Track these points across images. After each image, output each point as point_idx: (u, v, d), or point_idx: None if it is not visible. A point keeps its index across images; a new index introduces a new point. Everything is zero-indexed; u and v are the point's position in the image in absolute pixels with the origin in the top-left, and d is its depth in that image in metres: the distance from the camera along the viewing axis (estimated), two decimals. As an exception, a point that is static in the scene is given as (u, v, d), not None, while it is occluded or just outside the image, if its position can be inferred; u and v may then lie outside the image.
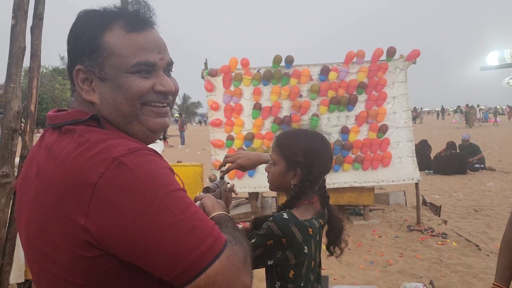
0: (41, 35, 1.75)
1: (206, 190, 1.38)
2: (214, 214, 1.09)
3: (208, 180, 1.45)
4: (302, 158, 1.47)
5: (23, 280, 3.59)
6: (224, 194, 1.57)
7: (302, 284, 1.46)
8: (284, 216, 1.42)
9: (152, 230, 0.76)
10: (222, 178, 1.74)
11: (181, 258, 0.76)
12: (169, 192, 0.79)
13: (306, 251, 1.44)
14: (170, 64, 0.98)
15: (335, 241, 1.58)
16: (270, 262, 1.42)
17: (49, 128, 0.95)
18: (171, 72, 1.00)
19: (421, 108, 58.46)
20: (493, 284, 1.74)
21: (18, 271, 3.36)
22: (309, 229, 1.44)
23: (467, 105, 34.79)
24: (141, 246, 0.76)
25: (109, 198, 0.76)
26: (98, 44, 0.90)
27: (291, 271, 1.44)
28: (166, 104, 0.97)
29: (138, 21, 0.92)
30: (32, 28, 1.79)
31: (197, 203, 1.15)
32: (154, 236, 0.76)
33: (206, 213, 1.08)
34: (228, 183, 1.69)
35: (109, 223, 0.76)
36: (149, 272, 0.80)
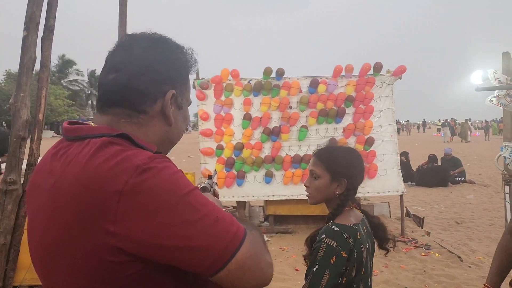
0: (51, 47, 1.80)
1: (203, 189, 1.41)
2: None
3: (207, 177, 1.49)
4: (345, 169, 1.66)
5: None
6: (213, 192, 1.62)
7: None
8: (335, 229, 1.53)
9: (181, 228, 0.81)
10: (211, 177, 1.77)
11: (211, 249, 0.82)
12: (189, 192, 0.84)
13: (355, 256, 1.53)
14: None
15: (385, 237, 1.73)
16: (340, 280, 1.48)
17: (64, 139, 0.97)
18: None
19: (408, 121, 59.35)
20: (484, 285, 1.85)
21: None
22: (358, 233, 1.56)
23: (452, 119, 35.16)
24: (173, 245, 0.81)
25: (136, 203, 0.80)
26: (187, 79, 1.06)
27: (354, 284, 1.53)
28: None
29: (194, 68, 1.09)
30: (42, 39, 1.83)
31: None
32: (184, 233, 0.81)
33: None
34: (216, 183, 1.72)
35: (140, 227, 0.80)
36: (181, 268, 0.84)
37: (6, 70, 38.33)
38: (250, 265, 0.85)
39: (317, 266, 1.47)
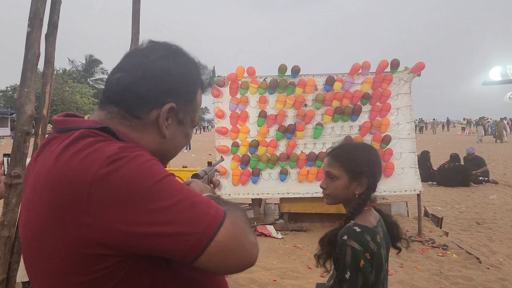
0: (55, 43, 1.83)
1: (195, 176, 1.41)
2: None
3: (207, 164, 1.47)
4: (366, 168, 1.59)
5: (28, 280, 3.66)
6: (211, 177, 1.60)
7: None
8: (356, 230, 1.48)
9: (156, 214, 0.80)
10: (210, 164, 1.75)
11: (189, 233, 0.81)
12: (162, 178, 0.84)
13: (375, 259, 1.49)
14: None
15: (398, 236, 1.69)
16: (371, 282, 1.47)
17: (55, 131, 0.97)
18: None
19: (435, 119, 58.02)
20: None
21: (23, 270, 3.42)
22: (378, 236, 1.51)
23: (483, 117, 33.94)
24: (148, 232, 0.80)
25: (108, 193, 0.79)
26: (194, 98, 1.05)
27: (361, 278, 1.47)
28: None
29: (208, 89, 1.11)
30: (47, 35, 1.86)
31: None
32: (158, 219, 0.80)
33: None
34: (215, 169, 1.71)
35: (113, 216, 0.79)
36: (162, 256, 0.84)
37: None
38: (232, 246, 0.84)
39: (349, 273, 1.42)
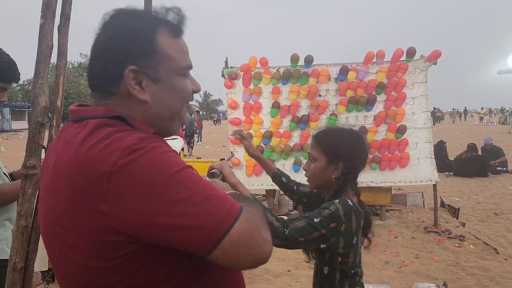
0: (68, 34, 1.84)
1: (212, 175, 1.40)
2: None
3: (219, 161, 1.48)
4: (344, 151, 1.56)
5: (46, 269, 3.74)
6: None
7: (349, 274, 1.56)
8: (349, 202, 1.50)
9: (171, 206, 0.81)
10: (222, 159, 1.74)
11: (203, 226, 0.81)
12: (179, 170, 0.84)
13: (354, 242, 1.52)
14: None
15: (366, 233, 1.67)
16: (323, 246, 1.48)
17: (70, 121, 0.99)
18: None
19: (454, 109, 56.89)
20: None
21: (42, 259, 3.49)
22: (362, 220, 1.54)
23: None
24: (164, 225, 0.81)
25: (126, 183, 0.80)
26: (154, 47, 0.94)
27: (339, 258, 1.52)
28: None
29: (181, 28, 1.01)
30: (59, 27, 1.87)
31: None
32: (174, 211, 0.80)
33: None
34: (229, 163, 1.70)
35: (130, 206, 0.80)
36: (174, 247, 0.84)
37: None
38: (245, 242, 0.83)
39: (318, 219, 1.43)
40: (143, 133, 0.91)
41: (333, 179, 1.57)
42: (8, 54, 1.84)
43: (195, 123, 18.90)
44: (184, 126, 16.37)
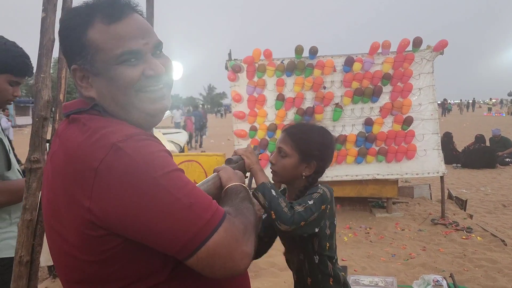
0: (69, 28, 1.82)
1: (228, 161, 1.39)
2: (228, 186, 1.10)
3: (234, 153, 1.46)
4: (317, 152, 1.59)
5: (52, 263, 3.77)
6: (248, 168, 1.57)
7: (334, 260, 1.60)
8: (328, 186, 1.55)
9: (152, 210, 0.80)
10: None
11: (181, 234, 0.81)
12: (165, 173, 0.83)
13: (335, 222, 1.59)
14: (157, 46, 0.98)
15: None
16: (316, 230, 1.50)
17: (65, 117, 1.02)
18: (161, 53, 1.00)
19: (461, 100, 56.41)
20: None
21: (48, 254, 3.52)
22: (338, 205, 1.57)
23: None
24: (142, 225, 0.81)
25: (109, 181, 0.81)
26: (84, 43, 0.92)
27: (327, 243, 1.56)
28: (161, 86, 0.98)
29: (115, 10, 0.92)
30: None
31: (213, 174, 1.16)
32: (154, 215, 0.80)
33: (222, 185, 1.11)
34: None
35: (111, 205, 0.81)
36: (155, 248, 0.85)
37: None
38: (220, 253, 0.83)
39: (312, 202, 1.45)
40: (130, 127, 0.90)
41: (303, 176, 1.60)
42: (21, 48, 1.83)
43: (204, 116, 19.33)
44: (194, 119, 17.26)
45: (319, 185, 1.56)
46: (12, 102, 1.92)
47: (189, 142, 15.78)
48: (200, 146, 17.15)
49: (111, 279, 0.88)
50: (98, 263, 0.87)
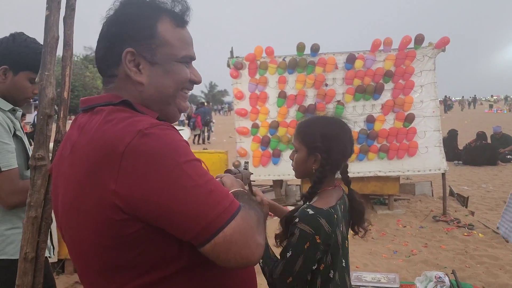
0: (73, 25, 1.83)
1: (228, 171, 1.41)
2: (231, 191, 1.11)
3: (232, 165, 1.47)
4: (320, 143, 1.51)
5: (56, 260, 3.79)
6: (246, 181, 1.59)
7: (330, 276, 1.48)
8: (309, 212, 1.43)
9: (174, 193, 0.83)
10: (246, 167, 1.73)
11: (200, 218, 0.84)
12: (188, 161, 0.87)
13: (331, 242, 1.45)
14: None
15: (359, 221, 1.63)
16: (314, 267, 1.44)
17: (82, 112, 1.04)
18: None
19: (463, 97, 56.21)
20: None
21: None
22: (335, 215, 1.45)
23: None
24: (165, 208, 0.83)
25: (135, 164, 0.83)
26: (153, 33, 1.00)
27: (322, 264, 1.46)
28: (191, 91, 1.12)
29: (183, 18, 1.06)
30: (64, 18, 1.86)
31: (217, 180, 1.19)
32: (176, 198, 0.83)
33: None
34: (251, 173, 1.71)
35: (136, 187, 0.83)
36: (171, 233, 0.87)
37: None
38: (237, 240, 0.85)
39: (290, 252, 1.40)
40: (154, 119, 0.95)
41: (313, 170, 1.54)
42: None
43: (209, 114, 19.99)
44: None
45: (297, 223, 1.42)
46: (31, 100, 1.93)
47: (199, 136, 17.68)
48: (208, 139, 18.32)
49: (127, 267, 0.91)
50: (115, 248, 0.89)
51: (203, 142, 17.77)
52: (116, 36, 1.00)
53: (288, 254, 1.41)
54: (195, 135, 17.71)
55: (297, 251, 1.39)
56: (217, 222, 0.84)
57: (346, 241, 1.58)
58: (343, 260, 1.54)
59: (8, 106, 1.86)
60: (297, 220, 1.44)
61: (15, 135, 1.84)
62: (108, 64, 1.02)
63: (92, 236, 0.91)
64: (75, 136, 0.98)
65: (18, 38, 1.89)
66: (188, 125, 18.66)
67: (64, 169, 0.98)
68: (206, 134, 18.55)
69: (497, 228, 4.94)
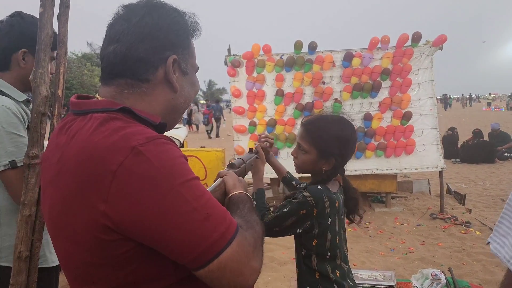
0: (68, 23, 1.82)
1: (230, 166, 1.39)
2: (233, 193, 1.10)
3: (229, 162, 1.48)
4: (337, 150, 1.57)
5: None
6: (250, 168, 1.61)
7: (327, 257, 1.57)
8: (318, 187, 1.55)
9: (168, 218, 0.79)
10: (251, 151, 1.73)
11: (195, 245, 0.80)
12: (184, 182, 0.82)
13: (329, 223, 1.55)
14: None
15: (354, 209, 1.71)
16: (299, 231, 1.55)
17: (71, 113, 0.97)
18: None
19: (463, 95, 56.27)
20: None
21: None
22: (336, 201, 1.56)
23: None
24: (158, 233, 0.80)
25: (128, 186, 0.79)
26: (188, 43, 1.03)
27: (314, 239, 1.56)
28: None
29: (198, 32, 1.07)
30: (59, 15, 1.85)
31: (219, 179, 1.17)
32: (169, 223, 0.79)
33: (227, 191, 1.12)
34: (256, 156, 1.72)
35: (128, 210, 0.79)
36: (167, 256, 0.84)
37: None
38: (231, 268, 0.83)
39: (287, 209, 1.52)
40: (150, 130, 0.89)
41: (323, 170, 1.60)
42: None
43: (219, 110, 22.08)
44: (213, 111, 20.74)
45: (304, 191, 1.54)
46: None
47: (211, 131, 19.92)
48: (217, 135, 19.75)
49: (121, 282, 0.87)
50: (109, 266, 0.86)
51: (216, 135, 19.55)
52: (160, 39, 0.96)
53: (284, 210, 1.52)
54: (206, 130, 20.21)
55: (292, 212, 1.52)
56: (212, 250, 0.81)
57: (343, 230, 1.66)
58: (341, 247, 1.62)
59: (23, 97, 1.81)
60: (305, 188, 1.56)
61: (28, 128, 1.80)
62: (146, 67, 0.95)
63: (82, 252, 0.86)
64: (63, 142, 0.91)
65: (26, 17, 1.78)
66: (197, 121, 22.09)
67: (52, 177, 0.93)
68: (216, 130, 20.31)
69: (488, 243, 4.95)
